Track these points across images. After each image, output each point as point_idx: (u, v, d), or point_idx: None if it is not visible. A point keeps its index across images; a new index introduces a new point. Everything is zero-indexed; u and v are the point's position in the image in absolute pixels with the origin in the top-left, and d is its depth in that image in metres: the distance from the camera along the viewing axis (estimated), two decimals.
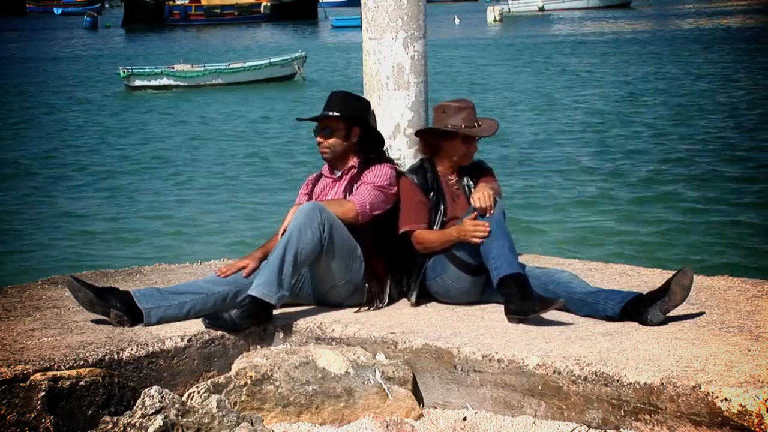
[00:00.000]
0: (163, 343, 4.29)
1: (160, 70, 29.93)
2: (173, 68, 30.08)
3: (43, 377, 3.84)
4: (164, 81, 29.70)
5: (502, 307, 4.56)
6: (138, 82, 29.51)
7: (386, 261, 4.88)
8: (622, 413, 3.79)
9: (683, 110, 21.24)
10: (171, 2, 69.55)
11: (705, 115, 20.31)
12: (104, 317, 4.54)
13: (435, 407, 4.24)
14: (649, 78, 27.68)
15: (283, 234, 4.65)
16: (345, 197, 4.88)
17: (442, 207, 4.88)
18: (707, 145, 16.93)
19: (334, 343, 4.48)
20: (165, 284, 5.04)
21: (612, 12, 66.54)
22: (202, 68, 30.24)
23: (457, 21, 64.05)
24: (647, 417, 3.73)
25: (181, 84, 29.72)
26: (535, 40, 44.32)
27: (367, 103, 5.11)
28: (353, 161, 4.98)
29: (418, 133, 5.06)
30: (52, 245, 11.97)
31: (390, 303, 4.85)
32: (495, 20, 62.04)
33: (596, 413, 3.85)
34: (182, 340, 4.34)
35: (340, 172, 5.02)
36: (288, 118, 22.58)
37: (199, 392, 3.89)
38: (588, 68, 31.43)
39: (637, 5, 73.75)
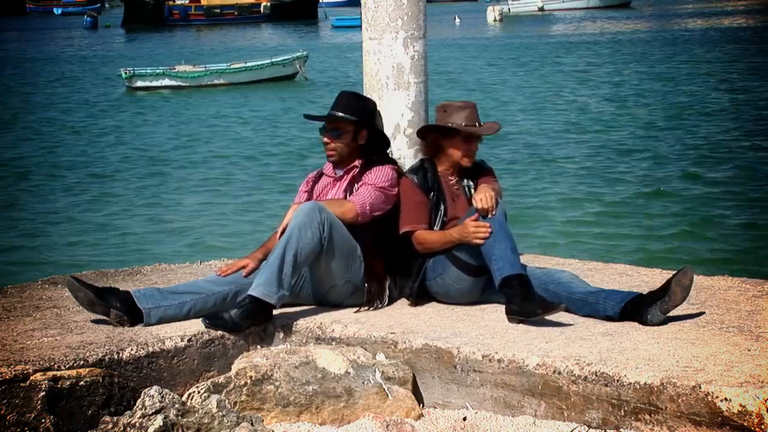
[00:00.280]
0: (163, 343, 4.29)
1: (161, 70, 29.93)
2: (175, 69, 30.08)
3: (43, 377, 3.84)
4: (166, 82, 29.69)
5: (502, 307, 4.56)
6: (140, 83, 29.51)
7: (386, 261, 4.88)
8: (622, 413, 3.79)
9: (683, 110, 21.24)
10: (171, 2, 69.54)
11: (705, 115, 20.32)
12: (104, 317, 4.54)
13: (435, 407, 4.24)
14: (649, 78, 27.67)
15: (282, 233, 4.65)
16: (345, 197, 4.88)
17: (442, 207, 4.87)
18: (707, 145, 16.93)
19: (334, 343, 4.48)
20: (165, 284, 5.04)
21: (612, 12, 66.52)
22: (204, 69, 30.24)
23: (457, 21, 64.05)
24: (647, 417, 3.73)
25: (183, 85, 29.72)
26: (535, 40, 44.33)
27: (374, 104, 5.09)
28: (356, 162, 4.97)
29: (419, 132, 5.05)
30: (52, 245, 11.97)
31: (390, 303, 4.85)
32: (495, 20, 62.05)
33: (596, 413, 3.85)
34: (182, 340, 4.34)
35: (341, 171, 5.01)
36: (290, 118, 22.58)
37: (199, 392, 3.89)
38: (588, 68, 31.43)
39: (637, 5, 73.74)
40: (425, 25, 5.20)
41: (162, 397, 3.68)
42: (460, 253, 4.71)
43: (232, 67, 30.57)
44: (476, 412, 4.11)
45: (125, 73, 29.55)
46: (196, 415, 3.70)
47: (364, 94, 5.19)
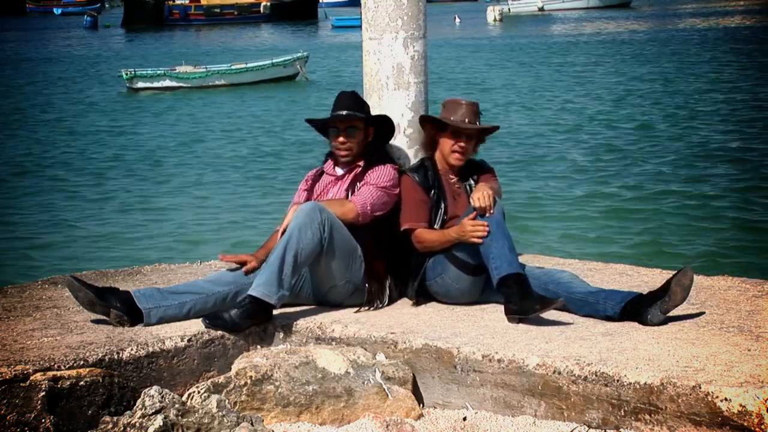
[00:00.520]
0: (163, 343, 4.29)
1: (162, 71, 29.93)
2: (175, 70, 30.09)
3: (43, 377, 3.84)
4: (167, 83, 29.70)
5: (502, 307, 4.56)
6: (141, 84, 29.52)
7: (386, 261, 4.88)
8: (622, 413, 3.79)
9: (683, 110, 21.23)
10: (171, 2, 69.55)
11: (705, 115, 20.31)
12: (104, 317, 4.54)
13: (435, 407, 4.24)
14: (649, 78, 27.67)
15: (283, 233, 4.65)
16: (347, 196, 4.88)
17: (442, 205, 4.88)
18: (707, 144, 16.92)
19: (334, 343, 4.48)
20: (165, 284, 5.04)
21: (612, 12, 66.52)
22: (205, 69, 30.25)
23: (457, 21, 64.06)
24: (647, 417, 3.73)
25: (184, 85, 29.73)
26: (535, 40, 44.32)
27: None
28: (360, 161, 4.97)
29: (420, 120, 5.07)
30: (52, 245, 11.97)
31: (390, 303, 4.85)
32: (495, 20, 62.06)
33: (596, 413, 3.85)
34: (182, 340, 4.34)
35: (343, 171, 5.01)
36: (290, 118, 22.58)
37: (199, 392, 3.89)
38: (588, 68, 31.43)
39: (637, 5, 73.75)
40: (425, 25, 5.20)
41: (162, 397, 3.68)
42: (459, 252, 4.72)
43: (233, 68, 30.57)
44: (476, 412, 4.11)
45: (126, 73, 29.56)
46: (196, 415, 3.70)
47: (365, 95, 5.19)
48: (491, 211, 4.61)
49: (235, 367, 4.16)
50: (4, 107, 26.19)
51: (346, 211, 4.77)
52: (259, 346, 4.53)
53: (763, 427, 3.47)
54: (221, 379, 4.06)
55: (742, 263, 9.95)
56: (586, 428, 3.85)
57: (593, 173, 14.94)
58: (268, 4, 70.22)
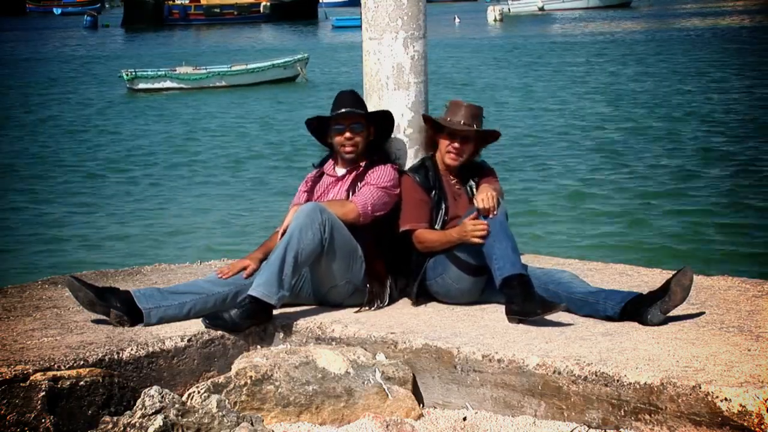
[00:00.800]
0: (163, 343, 4.29)
1: (163, 72, 29.93)
2: (176, 71, 30.08)
3: (43, 377, 3.84)
4: (167, 83, 29.71)
5: (502, 307, 4.56)
6: (141, 85, 29.52)
7: (387, 261, 4.87)
8: (622, 413, 3.79)
9: (683, 110, 21.23)
10: (170, 2, 69.54)
11: (705, 115, 20.31)
12: (104, 317, 4.54)
13: (435, 407, 4.24)
14: (649, 78, 27.67)
15: (283, 234, 4.64)
16: (348, 197, 4.88)
17: (443, 206, 4.87)
18: (707, 144, 16.93)
19: (334, 343, 4.48)
20: (165, 284, 5.04)
21: (612, 12, 66.53)
22: (205, 71, 30.25)
23: (457, 21, 64.05)
24: (647, 417, 3.73)
25: (184, 86, 29.73)
26: (536, 40, 44.32)
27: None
28: (361, 161, 4.97)
29: (423, 119, 5.07)
30: (52, 245, 11.97)
31: (390, 303, 4.85)
32: (495, 20, 62.05)
33: (596, 413, 3.85)
34: (182, 340, 4.34)
35: (343, 171, 5.01)
36: (290, 119, 22.57)
37: (199, 392, 3.89)
38: (588, 68, 31.42)
39: (637, 5, 73.74)
40: (425, 25, 5.20)
41: (162, 397, 3.68)
42: (460, 252, 4.71)
43: (233, 69, 30.57)
44: (476, 412, 4.11)
45: (127, 74, 29.56)
46: (196, 415, 3.70)
47: (364, 95, 5.19)
48: (495, 212, 4.61)
49: (235, 367, 4.16)
50: (4, 107, 26.18)
51: (347, 212, 4.76)
52: (259, 346, 4.53)
53: (763, 427, 3.47)
54: (221, 379, 4.06)
55: (742, 263, 9.95)
56: (586, 428, 3.85)
57: (593, 173, 14.94)
58: (268, 4, 70.20)
